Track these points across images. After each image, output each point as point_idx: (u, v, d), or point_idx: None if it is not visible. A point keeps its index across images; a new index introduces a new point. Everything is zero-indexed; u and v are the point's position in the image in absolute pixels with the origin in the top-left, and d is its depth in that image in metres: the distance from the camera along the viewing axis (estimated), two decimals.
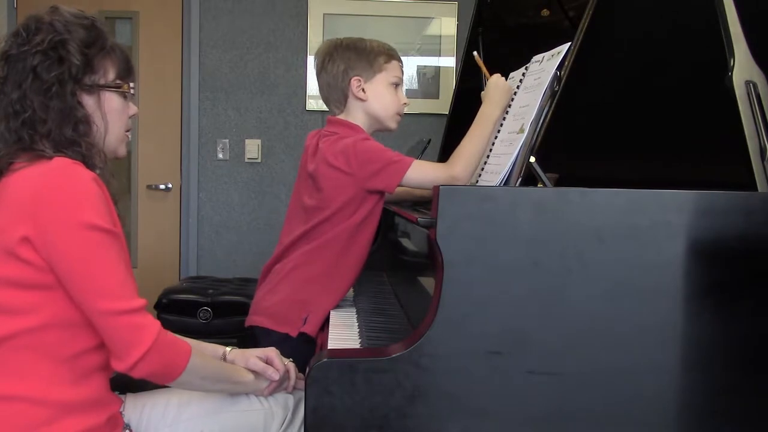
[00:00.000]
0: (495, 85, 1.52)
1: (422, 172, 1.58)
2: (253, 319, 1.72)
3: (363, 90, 1.73)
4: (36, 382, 1.17)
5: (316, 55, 1.80)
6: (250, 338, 1.74)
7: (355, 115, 1.75)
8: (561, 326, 1.10)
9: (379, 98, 1.74)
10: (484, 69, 1.65)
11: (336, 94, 1.76)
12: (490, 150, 1.47)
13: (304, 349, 1.59)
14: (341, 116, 1.77)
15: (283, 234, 1.79)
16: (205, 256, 3.73)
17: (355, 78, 1.72)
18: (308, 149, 1.78)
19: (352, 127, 1.72)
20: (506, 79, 1.56)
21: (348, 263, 1.70)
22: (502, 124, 1.48)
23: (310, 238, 1.69)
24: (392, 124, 1.78)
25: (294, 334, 1.64)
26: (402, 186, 1.61)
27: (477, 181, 1.49)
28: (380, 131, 1.79)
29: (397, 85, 1.77)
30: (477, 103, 1.54)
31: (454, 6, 3.72)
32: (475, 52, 1.73)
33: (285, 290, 1.69)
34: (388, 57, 1.76)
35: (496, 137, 1.47)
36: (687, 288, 1.11)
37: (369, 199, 1.66)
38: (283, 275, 1.70)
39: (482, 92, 1.57)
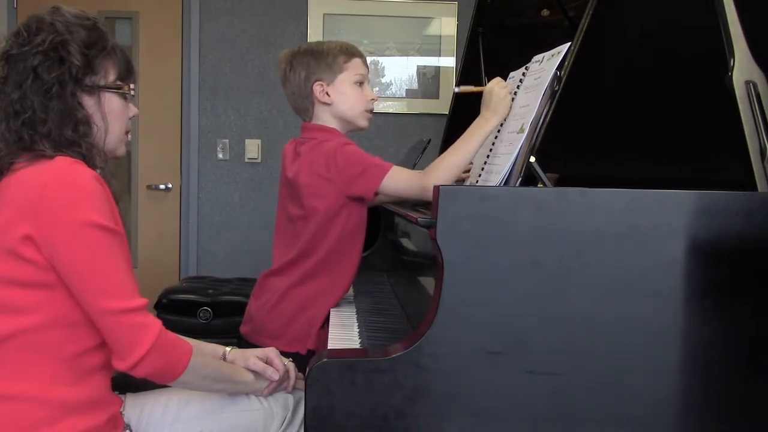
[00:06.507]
0: (490, 93, 1.47)
1: (397, 180, 1.57)
2: (261, 341, 1.70)
3: (327, 93, 1.71)
4: (37, 381, 1.17)
5: (278, 65, 1.78)
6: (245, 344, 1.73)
7: (325, 119, 1.74)
8: (561, 326, 1.10)
9: (344, 99, 1.72)
10: (476, 89, 1.58)
11: (302, 101, 1.75)
12: (490, 150, 1.47)
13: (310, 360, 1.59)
14: (313, 122, 1.76)
15: (276, 247, 1.78)
16: (205, 256, 3.73)
17: (317, 83, 1.71)
18: (286, 157, 1.77)
19: (329, 131, 1.71)
20: (507, 79, 1.55)
21: (345, 273, 1.70)
22: (502, 124, 1.48)
23: (306, 254, 1.67)
24: (363, 123, 1.76)
25: (304, 352, 1.65)
26: (378, 192, 1.59)
27: (477, 181, 1.49)
28: (353, 131, 1.78)
29: (361, 82, 1.74)
30: (477, 103, 1.53)
31: (454, 6, 3.72)
32: (456, 89, 1.70)
33: (288, 310, 1.68)
34: (347, 56, 1.73)
35: (495, 137, 1.47)
36: (687, 288, 1.11)
37: (353, 208, 1.66)
38: (283, 292, 1.69)
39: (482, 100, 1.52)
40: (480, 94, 1.51)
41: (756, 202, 1.13)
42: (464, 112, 1.68)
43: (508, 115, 1.46)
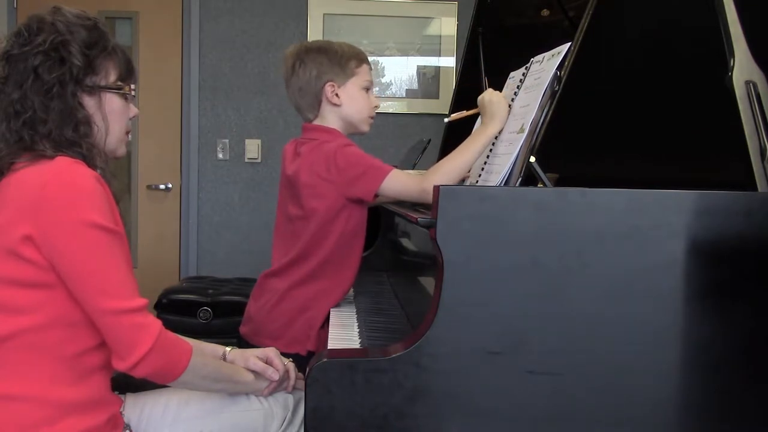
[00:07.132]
0: (483, 101, 1.47)
1: (397, 182, 1.57)
2: (260, 341, 1.69)
3: (337, 95, 1.71)
4: (37, 381, 1.17)
5: (285, 60, 1.77)
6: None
7: (330, 119, 1.74)
8: (561, 326, 1.10)
9: (353, 103, 1.72)
10: (468, 113, 1.57)
11: (309, 99, 1.74)
12: (490, 150, 1.47)
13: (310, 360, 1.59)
14: (316, 122, 1.76)
15: (276, 247, 1.78)
16: (205, 256, 3.73)
17: (329, 83, 1.71)
18: (286, 157, 1.77)
19: (331, 132, 1.71)
20: (507, 79, 1.55)
21: (345, 275, 1.70)
22: None
23: (306, 255, 1.67)
24: (365, 128, 1.78)
25: (303, 353, 1.65)
26: (378, 195, 1.60)
27: (477, 181, 1.49)
28: (353, 134, 1.79)
29: (368, 89, 1.76)
30: (477, 104, 1.53)
31: (454, 6, 3.72)
32: (446, 119, 1.71)
33: (288, 311, 1.68)
34: (358, 61, 1.74)
35: (496, 137, 1.47)
36: (687, 288, 1.11)
37: (353, 210, 1.66)
38: (283, 293, 1.69)
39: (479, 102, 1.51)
40: (475, 116, 1.51)
41: (756, 202, 1.13)
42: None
43: (507, 117, 1.46)
